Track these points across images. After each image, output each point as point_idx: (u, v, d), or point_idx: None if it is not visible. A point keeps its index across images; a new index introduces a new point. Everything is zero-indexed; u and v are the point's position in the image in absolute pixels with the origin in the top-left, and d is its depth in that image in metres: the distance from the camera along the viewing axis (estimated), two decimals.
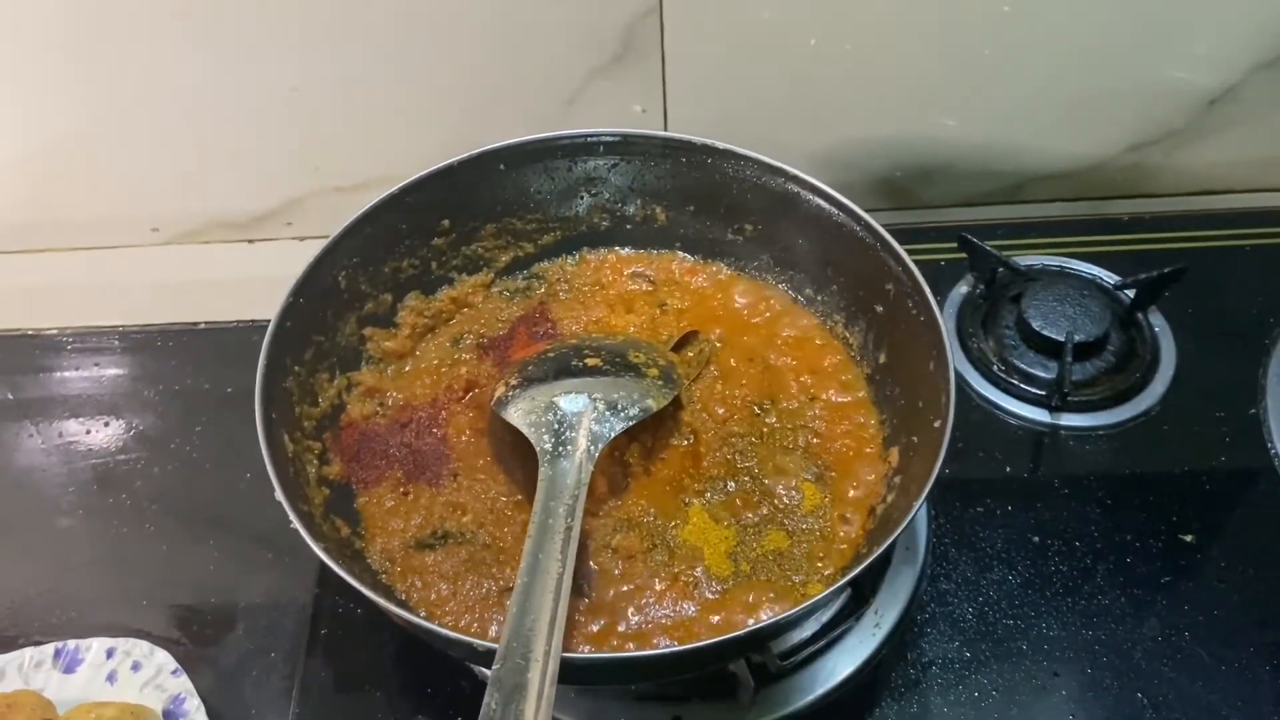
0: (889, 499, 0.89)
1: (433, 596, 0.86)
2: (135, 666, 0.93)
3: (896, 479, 0.89)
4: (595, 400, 0.88)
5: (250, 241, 1.31)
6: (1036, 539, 0.99)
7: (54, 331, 1.21)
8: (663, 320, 1.03)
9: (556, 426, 0.86)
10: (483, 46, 1.13)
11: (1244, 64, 1.16)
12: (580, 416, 0.87)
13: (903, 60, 1.15)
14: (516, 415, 0.88)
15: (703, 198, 1.04)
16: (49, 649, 0.94)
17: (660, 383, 0.92)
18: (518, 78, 1.15)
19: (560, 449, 0.84)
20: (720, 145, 0.99)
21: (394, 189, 0.95)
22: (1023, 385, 1.09)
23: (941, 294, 1.16)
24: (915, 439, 0.88)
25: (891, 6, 1.10)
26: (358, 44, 1.12)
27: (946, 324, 1.08)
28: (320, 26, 1.10)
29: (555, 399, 0.88)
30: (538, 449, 0.85)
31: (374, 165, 1.18)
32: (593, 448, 0.84)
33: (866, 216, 0.94)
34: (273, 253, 1.30)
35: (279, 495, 0.77)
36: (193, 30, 1.10)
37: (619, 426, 0.87)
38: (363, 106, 1.18)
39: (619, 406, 0.88)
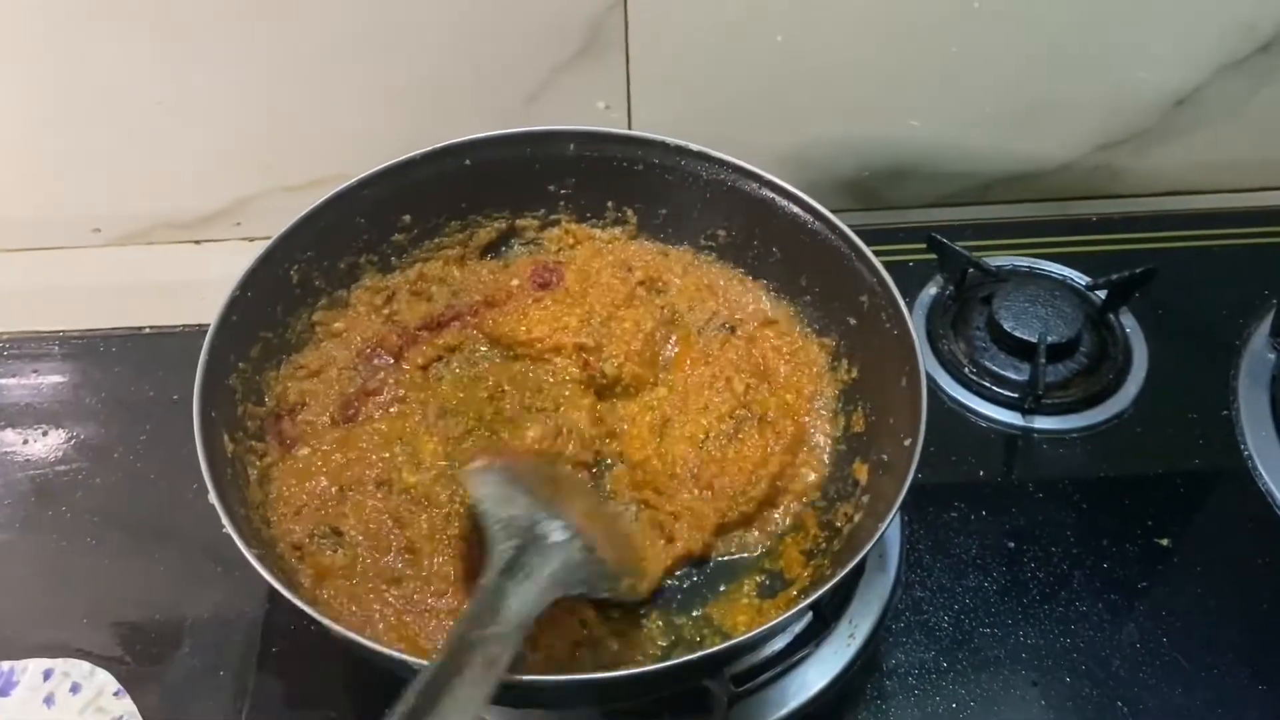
0: (856, 518, 0.87)
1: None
2: (74, 688, 0.90)
3: (864, 497, 0.88)
4: (576, 542, 0.77)
5: (197, 242, 1.28)
6: (1012, 544, 0.97)
7: None
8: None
9: (521, 542, 0.75)
10: (441, 41, 1.10)
11: (1210, 65, 1.16)
12: (554, 552, 0.75)
13: (871, 59, 1.14)
14: (486, 495, 0.78)
15: (675, 201, 1.01)
16: None
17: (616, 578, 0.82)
18: (477, 73, 1.13)
19: (517, 569, 0.73)
20: (694, 147, 0.98)
21: (352, 181, 0.93)
22: (994, 387, 1.08)
23: (911, 295, 1.15)
24: (885, 456, 0.87)
25: (859, 4, 1.09)
26: (311, 38, 1.09)
27: (916, 326, 1.08)
28: (272, 21, 1.07)
29: (539, 520, 0.77)
30: (493, 550, 0.75)
31: (327, 164, 1.15)
32: (549, 592, 0.73)
33: (842, 225, 0.93)
34: (221, 254, 1.27)
35: (212, 498, 0.75)
36: (137, 24, 1.06)
37: (586, 589, 0.77)
38: (316, 103, 1.15)
39: (598, 570, 0.78)
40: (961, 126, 1.21)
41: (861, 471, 0.90)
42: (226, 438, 0.83)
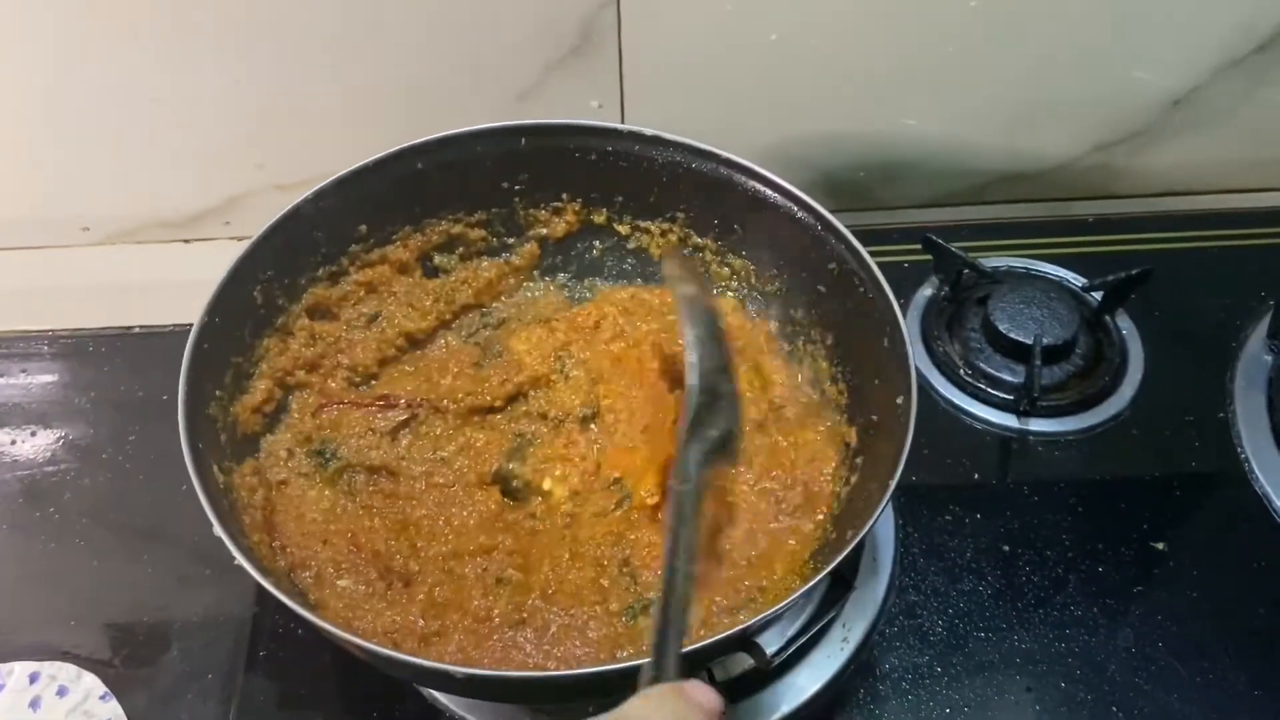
0: (853, 480, 0.87)
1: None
2: (61, 691, 0.89)
3: (858, 459, 0.87)
4: (737, 407, 0.85)
5: (186, 241, 1.27)
6: (1007, 548, 0.97)
7: None
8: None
9: (707, 399, 0.81)
10: (433, 39, 1.09)
11: (1208, 65, 1.15)
12: (720, 412, 0.83)
13: (866, 57, 1.13)
14: (698, 321, 0.85)
15: (630, 187, 1.00)
16: None
17: None
18: (469, 71, 1.12)
19: (698, 427, 0.80)
20: (647, 132, 0.96)
21: (306, 194, 0.91)
22: (989, 389, 1.07)
23: (905, 296, 1.14)
24: (875, 417, 0.87)
25: (854, 2, 1.08)
26: (302, 35, 1.08)
27: (910, 327, 1.08)
28: (264, 17, 1.06)
29: (721, 374, 0.85)
30: (689, 397, 0.81)
31: (318, 162, 1.11)
32: (710, 463, 0.80)
33: (805, 196, 0.92)
34: (210, 253, 1.25)
35: (218, 530, 0.73)
36: (127, 20, 1.05)
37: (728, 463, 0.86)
38: (307, 101, 1.14)
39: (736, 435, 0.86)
40: (957, 126, 1.21)
41: (851, 435, 0.89)
42: (216, 468, 0.81)
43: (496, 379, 0.97)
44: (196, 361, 0.82)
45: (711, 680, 0.83)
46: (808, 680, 0.87)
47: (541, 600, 0.84)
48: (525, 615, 0.83)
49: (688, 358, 0.81)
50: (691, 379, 0.80)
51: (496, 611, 0.82)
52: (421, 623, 0.81)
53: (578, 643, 0.81)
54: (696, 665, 0.80)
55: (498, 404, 0.96)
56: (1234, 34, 1.13)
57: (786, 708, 0.86)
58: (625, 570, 0.86)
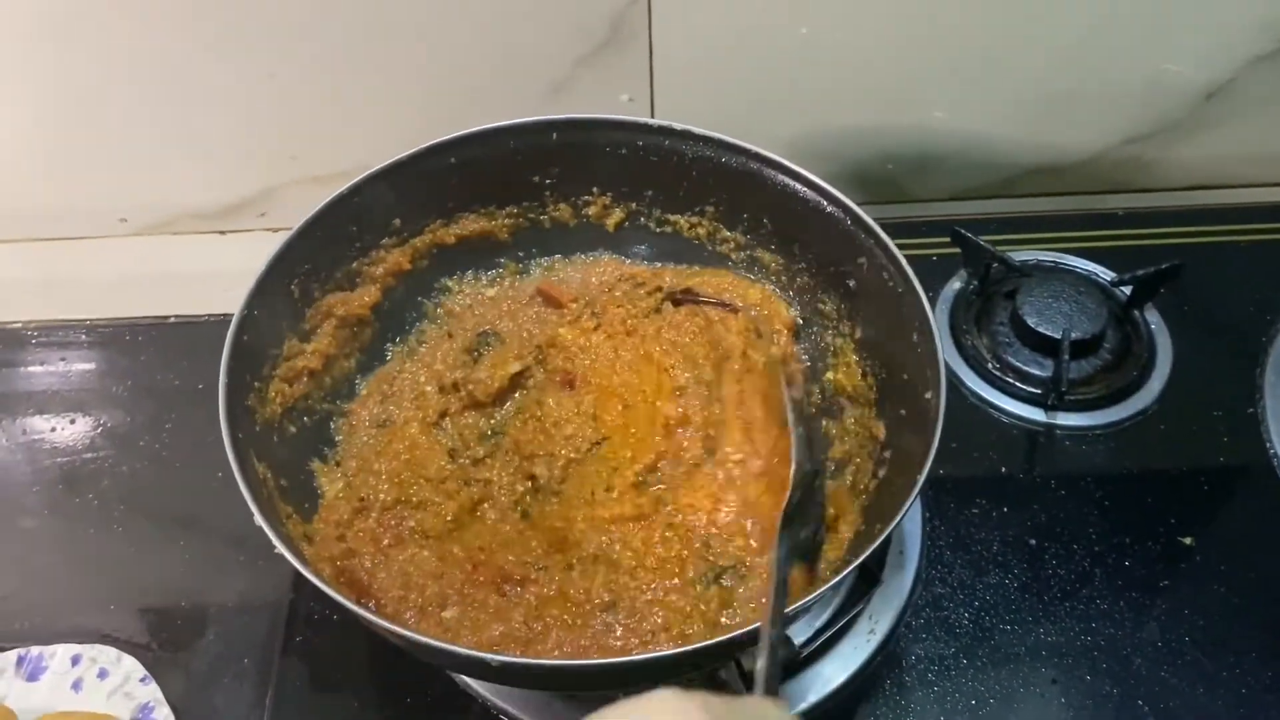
0: (881, 474, 0.87)
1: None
2: (102, 674, 0.91)
3: (886, 453, 0.88)
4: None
5: (222, 233, 1.28)
6: (1033, 541, 0.97)
7: (18, 325, 1.17)
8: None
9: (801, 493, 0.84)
10: (466, 33, 1.10)
11: (1241, 58, 1.15)
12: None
13: (896, 50, 1.13)
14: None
15: (660, 181, 1.01)
16: (11, 655, 0.92)
17: None
18: (502, 65, 1.12)
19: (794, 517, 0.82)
20: (677, 126, 0.97)
21: (342, 189, 0.92)
22: (1018, 383, 1.07)
23: (934, 290, 1.14)
24: (903, 412, 0.87)
25: None
26: (337, 28, 1.09)
27: (939, 320, 1.08)
28: (299, 10, 1.07)
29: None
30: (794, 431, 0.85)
31: (352, 154, 1.13)
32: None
33: (833, 190, 0.92)
34: (246, 244, 1.27)
35: (259, 520, 0.74)
36: (163, 12, 1.06)
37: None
38: (341, 93, 1.15)
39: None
40: (987, 118, 1.20)
41: (879, 429, 0.90)
42: (255, 458, 0.82)
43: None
44: (236, 352, 0.83)
45: (740, 670, 0.84)
46: (835, 671, 0.88)
47: (629, 577, 0.84)
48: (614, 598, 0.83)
49: (793, 453, 0.82)
50: (794, 470, 0.81)
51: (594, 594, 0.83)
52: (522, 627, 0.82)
53: (660, 618, 0.82)
54: (726, 655, 0.81)
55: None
56: (1266, 28, 1.12)
57: (814, 697, 0.87)
58: (702, 539, 0.87)
